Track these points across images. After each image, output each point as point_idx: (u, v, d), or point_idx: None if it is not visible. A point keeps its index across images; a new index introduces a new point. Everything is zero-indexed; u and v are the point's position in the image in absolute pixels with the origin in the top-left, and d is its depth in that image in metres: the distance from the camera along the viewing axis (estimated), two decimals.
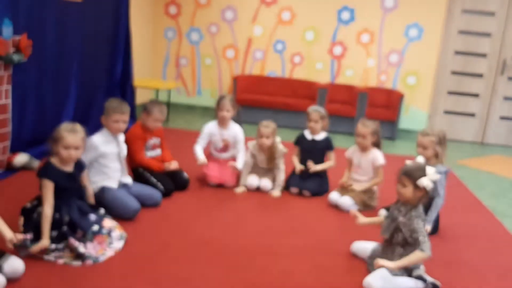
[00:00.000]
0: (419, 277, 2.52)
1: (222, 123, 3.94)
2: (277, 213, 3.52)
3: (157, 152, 3.74)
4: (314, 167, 3.83)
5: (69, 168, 2.63)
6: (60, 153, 2.57)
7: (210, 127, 3.97)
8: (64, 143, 2.55)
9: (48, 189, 2.52)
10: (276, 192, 3.84)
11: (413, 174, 2.52)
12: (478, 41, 6.74)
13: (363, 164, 3.71)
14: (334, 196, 3.69)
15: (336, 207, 3.66)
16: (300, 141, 3.99)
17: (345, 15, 6.91)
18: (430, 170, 2.53)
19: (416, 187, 2.51)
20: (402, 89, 6.94)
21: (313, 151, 3.91)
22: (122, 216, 3.03)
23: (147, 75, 7.26)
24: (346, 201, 3.59)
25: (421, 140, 3.27)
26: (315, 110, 3.94)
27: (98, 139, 3.09)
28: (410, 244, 2.53)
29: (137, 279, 2.42)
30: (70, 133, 2.56)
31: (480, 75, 6.83)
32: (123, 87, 5.79)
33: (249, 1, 7.07)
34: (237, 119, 4.13)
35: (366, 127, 3.66)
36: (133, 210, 3.08)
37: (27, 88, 4.07)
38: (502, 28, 6.64)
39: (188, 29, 7.29)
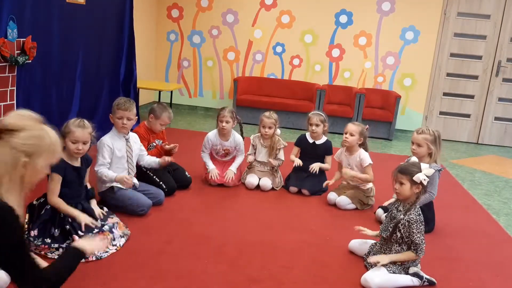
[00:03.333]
0: (416, 274, 2.59)
1: (222, 134, 4.00)
2: (276, 210, 3.59)
3: None
4: (313, 167, 3.90)
5: (77, 163, 2.71)
6: (68, 147, 2.63)
7: (211, 138, 4.02)
8: (72, 137, 2.62)
9: (56, 182, 2.59)
10: (275, 162, 4.00)
11: (409, 171, 2.59)
12: (473, 43, 6.85)
13: (352, 165, 3.78)
14: (332, 196, 3.79)
15: (334, 205, 3.74)
16: (301, 143, 4.06)
17: (343, 19, 7.03)
18: (424, 165, 2.61)
19: (413, 183, 2.57)
20: (398, 91, 7.06)
21: (312, 154, 3.99)
22: (135, 213, 3.16)
23: (150, 77, 7.37)
24: (343, 200, 3.70)
25: (416, 137, 3.32)
26: (316, 114, 3.99)
27: (107, 137, 3.20)
28: (407, 243, 2.60)
29: (140, 274, 2.45)
30: (78, 128, 2.64)
31: (475, 77, 6.95)
32: (126, 89, 5.85)
33: (249, 4, 7.19)
34: (240, 132, 4.16)
35: (355, 125, 3.75)
36: (147, 206, 3.22)
37: (32, 89, 4.12)
38: (497, 31, 6.75)
39: (190, 32, 7.41)
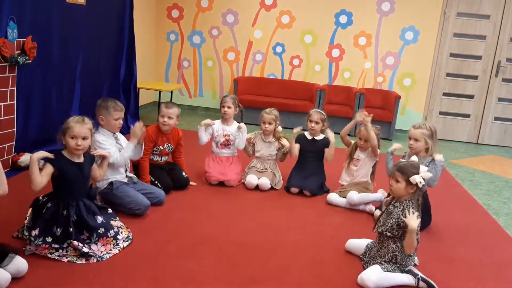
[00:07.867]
0: (410, 271, 2.60)
1: (224, 119, 4.11)
2: (275, 210, 3.60)
3: (164, 159, 3.84)
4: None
5: (78, 160, 2.68)
6: (68, 144, 2.62)
7: (216, 123, 4.12)
8: (71, 133, 2.61)
9: (45, 170, 2.54)
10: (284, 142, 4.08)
11: (406, 171, 2.60)
12: (473, 43, 6.86)
13: (361, 157, 3.88)
14: (332, 196, 3.81)
15: (334, 206, 3.74)
16: (301, 141, 4.08)
17: (343, 19, 7.04)
18: (423, 168, 2.61)
19: (409, 183, 2.58)
20: (398, 91, 7.07)
21: (312, 151, 4.03)
22: (132, 211, 3.15)
23: (150, 77, 7.37)
24: (354, 195, 3.68)
25: (414, 132, 3.37)
26: (317, 112, 4.05)
27: (100, 136, 3.19)
28: (400, 238, 2.60)
29: (140, 275, 2.46)
30: (77, 123, 2.63)
31: (475, 77, 6.96)
32: (126, 89, 5.87)
33: (249, 5, 7.20)
34: (240, 119, 4.23)
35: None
36: (144, 206, 3.19)
37: (32, 89, 4.12)
38: (496, 31, 6.76)
39: (190, 32, 7.42)
